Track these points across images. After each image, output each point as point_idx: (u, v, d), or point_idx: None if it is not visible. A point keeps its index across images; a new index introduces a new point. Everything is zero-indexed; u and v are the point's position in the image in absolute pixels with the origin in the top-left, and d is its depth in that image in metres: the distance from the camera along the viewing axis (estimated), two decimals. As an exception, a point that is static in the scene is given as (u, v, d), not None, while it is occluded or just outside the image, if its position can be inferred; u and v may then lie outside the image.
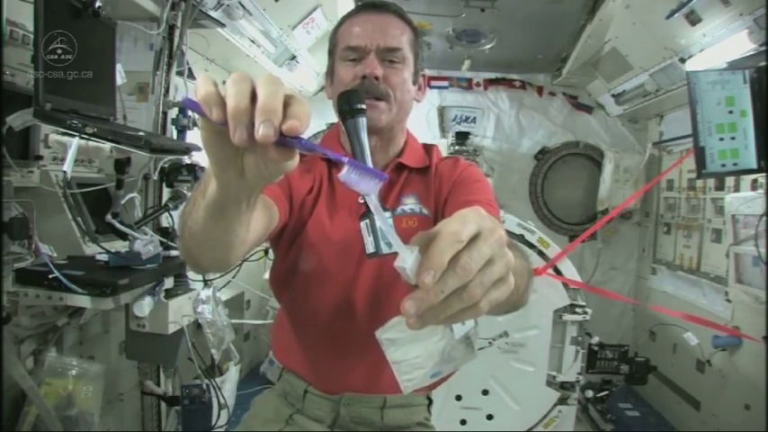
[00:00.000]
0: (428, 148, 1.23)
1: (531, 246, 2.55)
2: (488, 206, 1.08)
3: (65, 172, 1.35)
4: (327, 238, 1.09)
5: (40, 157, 1.60)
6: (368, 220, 0.84)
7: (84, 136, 1.34)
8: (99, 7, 1.54)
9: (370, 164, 0.81)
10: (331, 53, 1.16)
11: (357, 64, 1.08)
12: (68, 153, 1.34)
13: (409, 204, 1.12)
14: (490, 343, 2.35)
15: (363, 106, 0.91)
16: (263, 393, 1.29)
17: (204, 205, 0.66)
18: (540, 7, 2.87)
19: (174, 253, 1.79)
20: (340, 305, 1.10)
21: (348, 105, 0.93)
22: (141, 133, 1.59)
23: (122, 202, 1.59)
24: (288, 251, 1.12)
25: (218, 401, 1.96)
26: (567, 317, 2.54)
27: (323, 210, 1.12)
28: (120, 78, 1.81)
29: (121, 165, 1.55)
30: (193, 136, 2.11)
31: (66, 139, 1.40)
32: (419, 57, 1.16)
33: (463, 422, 2.56)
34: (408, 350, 0.71)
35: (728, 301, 2.66)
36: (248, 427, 1.20)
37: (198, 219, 0.70)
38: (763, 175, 2.32)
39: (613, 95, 3.66)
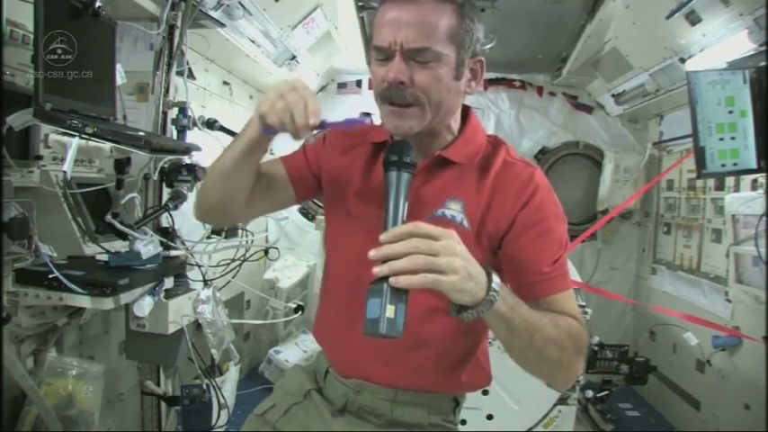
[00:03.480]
0: (495, 145, 1.10)
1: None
2: (564, 278, 1.04)
3: (65, 172, 1.35)
4: (349, 218, 1.08)
5: (40, 157, 1.60)
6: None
7: (84, 136, 1.34)
8: (99, 7, 1.53)
9: (400, 224, 0.88)
10: (369, 42, 1.06)
11: (385, 64, 0.99)
12: (68, 153, 1.34)
13: (452, 210, 1.02)
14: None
15: (413, 160, 0.93)
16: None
17: (241, 146, 1.01)
18: (540, 7, 2.86)
19: (174, 253, 1.79)
20: (359, 287, 1.06)
21: (397, 157, 0.91)
22: (141, 133, 1.59)
23: (122, 202, 1.59)
24: (326, 218, 1.18)
25: (218, 401, 1.96)
26: (568, 317, 2.53)
27: (351, 189, 1.10)
28: (120, 78, 1.80)
29: (121, 165, 1.55)
30: (193, 136, 2.11)
31: (66, 139, 1.39)
32: (465, 45, 1.01)
33: (463, 422, 2.55)
34: None
35: (728, 301, 2.65)
36: (274, 395, 1.21)
37: (232, 155, 1.03)
38: (763, 175, 2.32)
39: (613, 95, 3.65)
